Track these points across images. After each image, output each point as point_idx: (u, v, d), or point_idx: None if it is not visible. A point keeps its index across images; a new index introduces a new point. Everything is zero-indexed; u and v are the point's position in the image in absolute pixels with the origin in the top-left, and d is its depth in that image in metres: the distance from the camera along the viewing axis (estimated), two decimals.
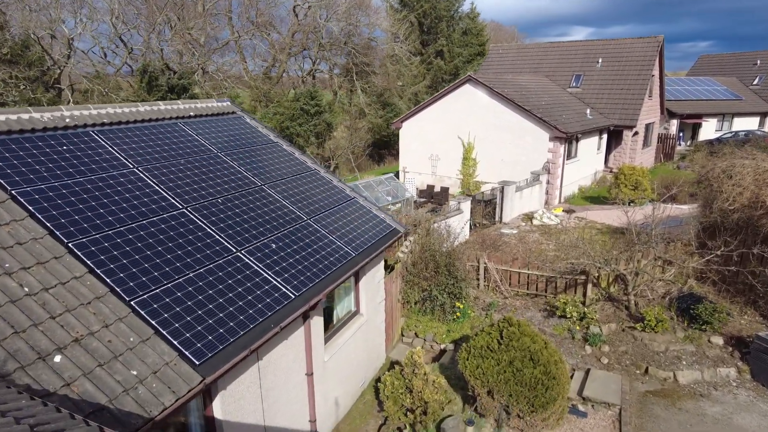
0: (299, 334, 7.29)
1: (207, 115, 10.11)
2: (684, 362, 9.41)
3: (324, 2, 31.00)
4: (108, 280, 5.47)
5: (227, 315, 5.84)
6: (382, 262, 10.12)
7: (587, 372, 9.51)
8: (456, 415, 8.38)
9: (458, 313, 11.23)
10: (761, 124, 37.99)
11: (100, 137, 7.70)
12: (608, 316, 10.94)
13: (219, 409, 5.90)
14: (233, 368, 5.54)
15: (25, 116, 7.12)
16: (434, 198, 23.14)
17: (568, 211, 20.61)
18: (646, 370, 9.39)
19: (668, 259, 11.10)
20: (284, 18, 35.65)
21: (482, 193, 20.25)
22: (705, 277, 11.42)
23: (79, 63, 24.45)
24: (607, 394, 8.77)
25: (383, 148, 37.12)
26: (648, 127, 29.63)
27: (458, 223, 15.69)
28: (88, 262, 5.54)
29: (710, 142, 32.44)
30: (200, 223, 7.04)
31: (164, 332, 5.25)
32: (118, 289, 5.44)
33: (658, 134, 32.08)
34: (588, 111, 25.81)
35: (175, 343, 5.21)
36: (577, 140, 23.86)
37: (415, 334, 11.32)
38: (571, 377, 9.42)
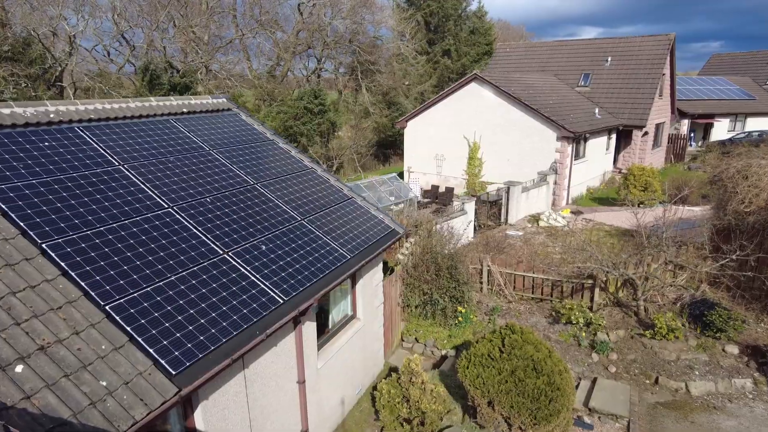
0: (289, 340, 6.95)
1: (201, 112, 9.81)
2: (696, 372, 8.96)
3: (329, 0, 30.71)
4: (82, 284, 5.16)
5: (209, 321, 5.51)
6: (381, 265, 9.77)
7: (594, 381, 9.09)
8: (455, 426, 8.01)
9: (460, 318, 10.84)
10: None
11: (85, 133, 7.40)
12: (616, 322, 10.50)
13: (201, 420, 5.57)
14: (214, 378, 5.20)
15: (6, 111, 6.83)
16: (439, 198, 22.75)
17: (576, 213, 20.14)
18: (656, 380, 8.95)
19: (680, 264, 10.63)
20: (289, 16, 35.47)
21: (487, 193, 19.83)
22: (718, 282, 10.95)
23: (82, 62, 24.36)
24: (615, 405, 8.35)
25: (388, 148, 36.76)
26: (658, 127, 29.04)
27: (462, 224, 15.30)
28: (62, 264, 5.23)
29: (722, 143, 31.75)
30: (186, 223, 6.72)
31: (140, 339, 4.92)
32: (92, 293, 5.12)
33: (669, 134, 31.45)
34: (597, 110, 25.30)
35: (151, 351, 4.88)
36: (586, 140, 23.38)
37: (416, 339, 10.95)
38: (577, 387, 9.01)
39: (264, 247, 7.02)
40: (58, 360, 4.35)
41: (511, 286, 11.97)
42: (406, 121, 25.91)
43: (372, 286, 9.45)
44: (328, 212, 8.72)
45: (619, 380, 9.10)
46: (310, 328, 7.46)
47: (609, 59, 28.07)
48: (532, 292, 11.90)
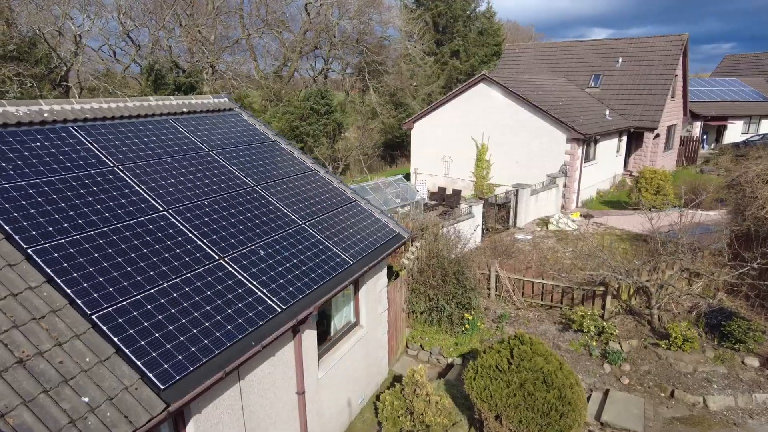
0: (288, 349, 6.66)
1: (201, 112, 9.57)
2: (715, 386, 8.56)
3: (336, 0, 30.48)
4: (68, 291, 4.90)
5: (202, 331, 5.23)
6: (385, 270, 9.46)
7: (606, 393, 8.72)
8: None
9: (467, 325, 10.51)
10: None
11: (79, 133, 7.17)
12: (629, 331, 10.12)
13: None
14: (206, 392, 4.92)
15: None
16: (446, 201, 22.41)
17: (586, 216, 19.72)
18: (672, 394, 8.56)
19: (696, 271, 10.22)
20: (295, 16, 35.28)
21: (496, 196, 19.47)
22: (736, 290, 10.53)
23: (88, 61, 24.28)
24: (629, 420, 7.98)
25: (395, 149, 36.46)
26: (670, 130, 28.51)
27: (469, 228, 14.96)
28: (48, 271, 4.98)
29: (736, 145, 31.12)
30: (181, 227, 6.46)
31: (127, 351, 4.65)
32: (78, 301, 4.86)
33: (681, 137, 30.90)
34: (607, 112, 24.84)
35: (139, 363, 4.60)
36: (596, 142, 22.94)
37: (421, 346, 10.63)
38: (588, 399, 8.65)
39: (262, 253, 6.75)
40: (37, 374, 4.09)
41: (519, 293, 11.62)
42: (413, 122, 25.60)
43: (376, 292, 9.15)
44: (330, 215, 8.44)
45: (632, 392, 8.72)
46: (310, 336, 7.17)
47: (620, 60, 27.58)
48: (542, 299, 11.54)
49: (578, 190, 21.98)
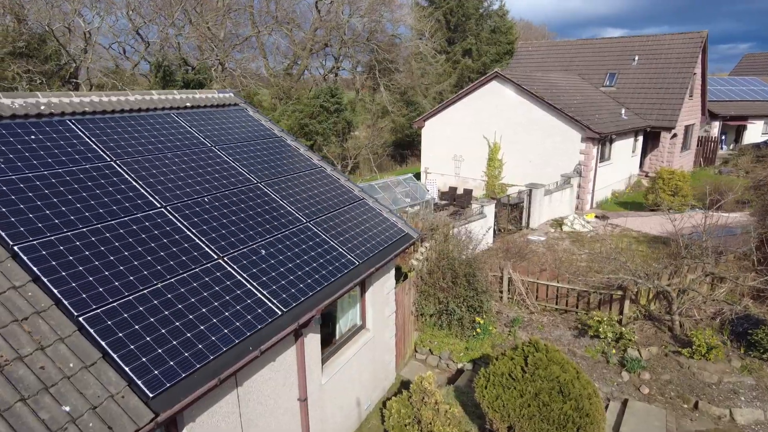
0: (290, 354, 6.34)
1: (206, 107, 9.30)
2: (742, 398, 8.08)
3: None
4: (55, 291, 4.62)
5: (197, 335, 4.92)
6: (393, 271, 9.11)
7: (625, 403, 8.29)
8: None
9: (478, 329, 10.12)
10: None
11: (77, 127, 6.92)
12: (648, 337, 9.66)
13: None
14: (200, 400, 4.61)
15: None
16: (456, 200, 22.01)
17: (602, 217, 19.19)
18: (696, 405, 8.10)
19: (720, 275, 9.73)
20: (306, 14, 35.05)
21: (508, 196, 19.01)
22: (762, 296, 10.01)
23: (99, 59, 24.26)
24: None
25: (406, 148, 36.09)
26: (687, 129, 27.79)
27: (481, 229, 14.55)
28: (35, 269, 4.70)
29: (757, 146, 30.28)
30: (179, 224, 6.16)
31: (115, 356, 4.35)
32: (65, 302, 4.57)
33: (698, 137, 30.13)
34: (623, 111, 24.23)
35: (127, 369, 4.30)
36: (611, 142, 22.38)
37: (430, 350, 10.26)
38: (605, 408, 8.22)
39: (264, 252, 6.43)
40: (15, 380, 3.80)
41: (533, 296, 11.19)
42: (424, 121, 25.21)
43: (383, 294, 8.80)
44: (336, 214, 8.11)
45: (653, 403, 8.27)
46: (313, 340, 6.84)
47: (636, 58, 26.93)
48: (556, 303, 11.10)
49: (593, 190, 21.44)
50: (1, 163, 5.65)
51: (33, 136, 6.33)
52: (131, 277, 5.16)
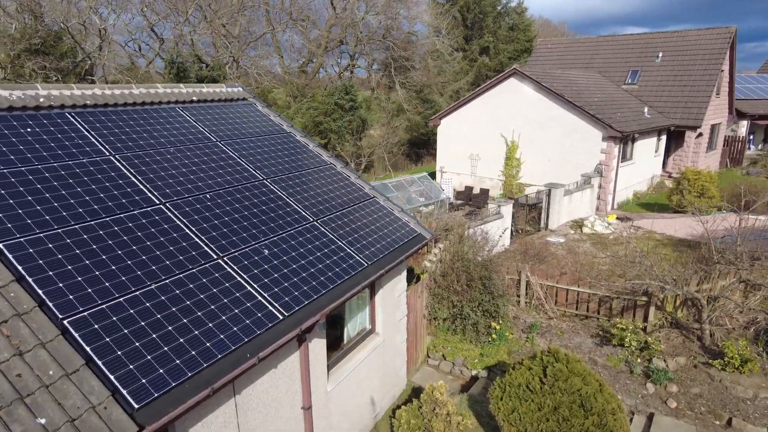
0: (293, 360, 5.99)
1: (213, 101, 9.02)
2: None
3: None
4: (40, 292, 4.33)
5: (190, 341, 4.59)
6: (405, 273, 8.71)
7: (650, 418, 7.76)
8: None
9: (494, 335, 9.66)
10: None
11: (76, 120, 6.67)
12: (675, 347, 9.09)
13: None
14: (190, 411, 4.28)
15: None
16: (473, 200, 21.51)
17: (623, 219, 18.52)
18: (730, 422, 7.53)
19: (755, 282, 9.11)
20: (321, 11, 34.80)
21: (526, 196, 18.46)
22: None
23: (116, 57, 24.30)
24: None
25: (421, 147, 35.62)
26: (714, 129, 26.84)
27: (497, 229, 14.06)
28: (19, 268, 4.42)
29: None
30: (177, 222, 5.86)
31: (99, 362, 4.04)
32: (50, 304, 4.28)
33: (725, 136, 29.10)
34: (646, 109, 23.45)
35: (111, 377, 3.99)
36: (633, 141, 21.64)
37: (443, 356, 9.83)
38: (630, 421, 7.70)
39: (267, 252, 6.09)
40: None
41: (552, 301, 10.69)
42: (440, 119, 24.74)
43: (394, 296, 8.41)
44: (345, 213, 7.74)
45: (681, 418, 7.73)
46: (318, 345, 6.48)
47: (660, 55, 26.07)
48: (576, 308, 10.58)
49: (614, 191, 20.75)
50: None
51: (29, 129, 6.08)
52: (123, 278, 4.86)
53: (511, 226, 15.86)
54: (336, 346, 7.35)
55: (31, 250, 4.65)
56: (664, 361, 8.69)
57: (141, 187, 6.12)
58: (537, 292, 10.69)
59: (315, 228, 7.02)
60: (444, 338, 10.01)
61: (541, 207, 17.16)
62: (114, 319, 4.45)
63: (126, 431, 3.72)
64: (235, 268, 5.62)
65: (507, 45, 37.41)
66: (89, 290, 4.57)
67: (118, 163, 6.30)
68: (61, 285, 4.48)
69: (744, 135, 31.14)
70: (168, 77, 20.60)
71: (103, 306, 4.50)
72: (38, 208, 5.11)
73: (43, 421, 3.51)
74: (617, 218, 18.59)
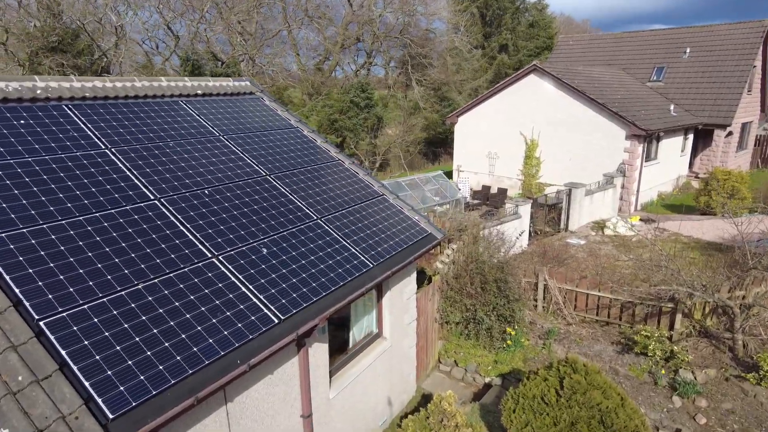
0: (292, 365, 5.65)
1: (218, 95, 8.76)
2: None
3: None
4: (16, 290, 4.07)
5: (176, 345, 4.28)
6: (414, 274, 8.32)
7: None
8: None
9: (509, 341, 9.20)
10: None
11: (73, 112, 6.45)
12: (704, 358, 8.50)
13: None
14: (173, 421, 3.96)
15: None
16: (490, 200, 20.98)
17: (647, 220, 17.78)
18: None
19: None
20: (337, 8, 34.54)
21: (546, 196, 17.86)
22: None
23: (134, 55, 24.44)
24: None
25: (438, 146, 35.11)
26: (744, 127, 25.75)
27: (515, 230, 13.55)
28: None
29: None
30: (171, 218, 5.57)
31: (75, 367, 3.76)
32: (26, 303, 4.02)
33: (756, 136, 27.91)
34: (672, 107, 22.56)
35: (86, 384, 3.70)
36: (658, 140, 20.81)
37: (455, 362, 9.41)
38: None
39: (265, 251, 5.77)
40: None
41: (571, 306, 10.16)
42: (457, 116, 24.24)
43: (402, 299, 8.02)
44: (351, 211, 7.38)
45: None
46: (320, 350, 6.14)
47: (688, 50, 25.10)
48: (597, 314, 10.04)
49: (637, 191, 19.99)
50: None
51: (23, 121, 5.87)
52: (109, 276, 4.58)
53: (530, 226, 15.32)
54: (340, 351, 7.00)
55: (11, 246, 4.40)
56: (692, 372, 8.12)
57: (135, 181, 5.86)
58: (555, 296, 10.18)
59: (318, 226, 6.68)
60: (456, 343, 9.58)
61: (561, 207, 16.57)
62: (95, 320, 4.17)
63: None
64: (230, 267, 5.31)
65: (527, 42, 36.66)
66: (71, 289, 4.30)
67: (113, 157, 6.05)
68: (40, 283, 4.22)
69: None
70: (183, 75, 20.58)
71: (85, 306, 4.23)
72: (24, 202, 4.88)
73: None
74: (641, 219, 17.86)
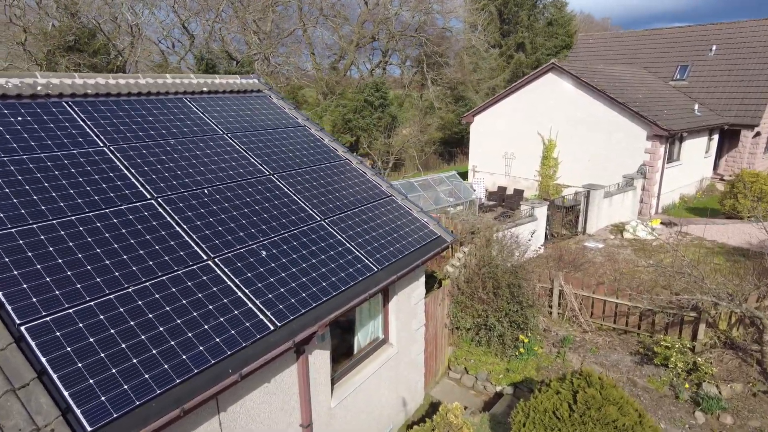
0: (290, 373, 5.42)
1: (224, 92, 8.60)
2: None
3: None
4: None
5: (164, 352, 4.08)
6: (423, 279, 8.02)
7: None
8: None
9: (521, 349, 8.85)
10: None
11: (73, 109, 6.32)
12: (730, 371, 8.04)
13: None
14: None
15: None
16: (506, 201, 20.56)
17: (668, 224, 17.17)
18: None
19: None
20: (352, 6, 34.31)
21: (563, 197, 17.38)
22: None
23: (150, 55, 24.59)
24: None
25: (455, 146, 34.67)
26: None
27: (530, 233, 13.14)
28: None
29: None
30: (168, 219, 5.38)
31: (54, 376, 3.58)
32: (8, 307, 3.86)
33: None
34: (696, 107, 21.82)
35: (65, 394, 3.51)
36: (681, 140, 20.13)
37: (465, 369, 9.09)
38: None
39: (264, 254, 5.55)
40: None
41: (587, 312, 9.75)
42: (473, 116, 23.82)
43: (410, 304, 7.74)
44: (357, 212, 7.13)
45: None
46: (320, 357, 5.90)
47: (714, 48, 24.29)
48: (614, 322, 9.61)
49: (659, 194, 19.34)
50: None
51: (20, 118, 5.75)
52: (98, 279, 4.40)
53: (546, 229, 14.89)
54: (343, 357, 6.76)
55: None
56: (717, 386, 7.67)
57: (133, 180, 5.69)
58: (571, 302, 9.78)
59: (322, 228, 6.44)
60: (467, 350, 9.26)
61: (578, 209, 16.08)
62: (80, 325, 3.98)
63: None
64: (226, 270, 5.10)
65: (546, 41, 35.96)
66: (57, 292, 4.13)
67: (111, 155, 5.90)
68: (25, 286, 4.06)
69: None
70: (197, 74, 20.61)
71: (70, 310, 4.05)
72: (14, 201, 4.73)
73: None
74: (662, 223, 17.26)
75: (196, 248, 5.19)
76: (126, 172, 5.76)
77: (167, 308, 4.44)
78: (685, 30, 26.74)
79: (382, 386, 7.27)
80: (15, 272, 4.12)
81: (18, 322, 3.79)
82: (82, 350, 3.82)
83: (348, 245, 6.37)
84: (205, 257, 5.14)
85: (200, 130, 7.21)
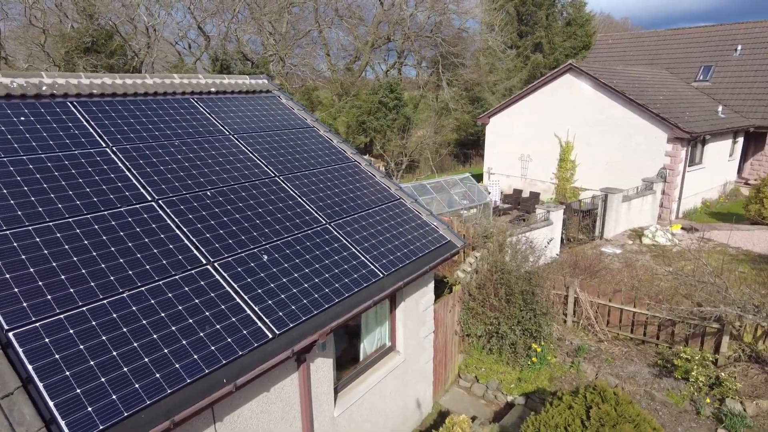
0: (291, 382, 5.25)
1: (232, 93, 8.49)
2: None
3: None
4: None
5: (156, 361, 3.93)
6: (432, 284, 7.80)
7: None
8: None
9: (534, 358, 8.56)
10: None
11: (77, 109, 6.26)
12: (756, 387, 7.64)
13: None
14: None
15: None
16: (521, 204, 20.21)
17: (689, 230, 16.63)
18: None
19: None
20: (367, 7, 34.20)
21: (580, 201, 16.97)
22: None
23: (166, 56, 24.80)
24: None
25: (470, 148, 34.32)
26: None
27: (545, 238, 12.81)
28: None
29: None
30: (168, 221, 5.26)
31: (40, 385, 3.45)
32: None
33: None
34: (719, 108, 21.17)
35: (50, 404, 3.38)
36: (704, 143, 19.53)
37: (476, 377, 8.83)
38: None
39: (266, 258, 5.39)
40: None
41: (603, 321, 9.41)
42: (489, 117, 23.48)
43: (418, 311, 7.52)
44: (364, 215, 6.94)
45: None
46: (323, 365, 5.72)
47: (739, 48, 23.55)
48: (631, 331, 9.25)
49: (679, 198, 18.77)
50: None
51: (23, 118, 5.69)
52: (92, 283, 4.28)
53: (562, 233, 14.52)
54: (348, 364, 6.57)
55: None
56: (741, 402, 7.29)
57: (134, 182, 5.58)
58: (586, 310, 9.45)
59: (327, 231, 6.27)
60: (478, 358, 9.00)
61: (596, 214, 15.67)
62: (71, 331, 3.86)
63: None
64: (225, 275, 4.95)
65: (564, 41, 35.39)
66: (48, 297, 4.02)
67: (113, 156, 5.80)
68: (16, 290, 3.95)
69: None
70: (211, 74, 20.71)
71: (61, 316, 3.93)
72: (11, 202, 4.65)
73: None
74: (682, 228, 16.72)
75: (195, 252, 5.05)
76: (127, 173, 5.66)
77: (162, 314, 4.30)
78: (709, 30, 26.01)
79: (388, 395, 7.06)
80: (6, 275, 4.02)
81: (6, 327, 3.68)
82: (71, 358, 3.70)
83: (353, 250, 6.18)
84: (204, 261, 5.00)
85: (206, 131, 7.10)
